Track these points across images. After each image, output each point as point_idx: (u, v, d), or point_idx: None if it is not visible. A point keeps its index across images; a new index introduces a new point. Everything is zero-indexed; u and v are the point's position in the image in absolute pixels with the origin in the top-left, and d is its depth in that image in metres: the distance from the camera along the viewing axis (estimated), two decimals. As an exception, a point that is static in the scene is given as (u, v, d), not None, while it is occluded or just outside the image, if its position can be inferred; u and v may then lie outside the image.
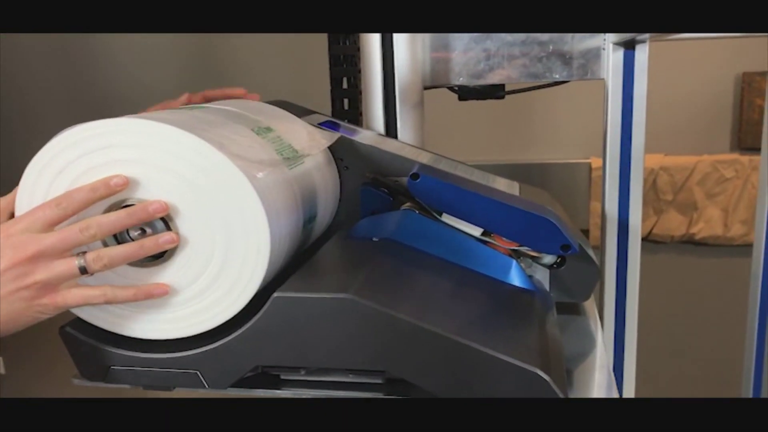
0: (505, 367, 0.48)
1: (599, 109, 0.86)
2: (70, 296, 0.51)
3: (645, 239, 1.53)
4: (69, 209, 0.50)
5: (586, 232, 1.46)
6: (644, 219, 1.50)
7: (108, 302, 0.52)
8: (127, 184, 0.51)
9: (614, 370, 0.89)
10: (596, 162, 1.45)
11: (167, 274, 0.53)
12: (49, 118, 1.62)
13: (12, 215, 0.53)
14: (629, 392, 0.93)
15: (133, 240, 0.53)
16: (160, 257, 0.53)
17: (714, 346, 1.54)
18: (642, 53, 0.78)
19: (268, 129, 0.62)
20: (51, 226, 0.50)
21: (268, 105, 0.72)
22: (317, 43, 0.91)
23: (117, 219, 0.51)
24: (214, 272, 0.52)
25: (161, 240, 0.51)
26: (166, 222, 0.52)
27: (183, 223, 0.52)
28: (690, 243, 1.53)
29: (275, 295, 0.51)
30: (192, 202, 0.51)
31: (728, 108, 1.47)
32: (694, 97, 1.48)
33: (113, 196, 0.51)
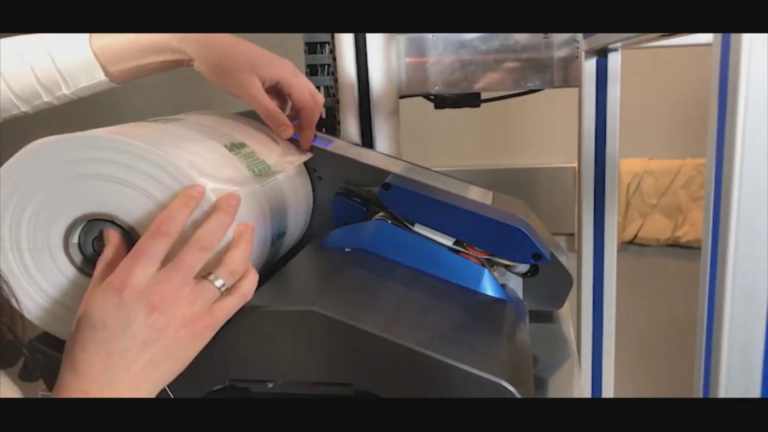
0: (471, 378, 0.47)
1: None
2: (219, 313, 0.49)
3: (630, 243, 1.53)
4: (174, 233, 0.48)
5: (571, 237, 1.46)
6: (629, 223, 1.50)
7: (245, 300, 0.50)
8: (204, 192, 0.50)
9: (593, 373, 0.90)
10: (581, 166, 1.46)
11: None
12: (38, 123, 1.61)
13: (115, 264, 0.48)
14: (608, 395, 0.93)
15: (96, 252, 0.52)
16: None
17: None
18: (614, 60, 0.78)
19: (241, 144, 0.62)
20: (162, 258, 0.47)
21: (242, 117, 0.71)
22: (294, 52, 0.91)
23: (217, 218, 0.49)
24: None
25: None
26: (132, 238, 0.51)
27: None
28: (675, 246, 1.53)
29: (242, 307, 0.51)
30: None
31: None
32: (678, 100, 1.48)
33: (75, 212, 0.51)
